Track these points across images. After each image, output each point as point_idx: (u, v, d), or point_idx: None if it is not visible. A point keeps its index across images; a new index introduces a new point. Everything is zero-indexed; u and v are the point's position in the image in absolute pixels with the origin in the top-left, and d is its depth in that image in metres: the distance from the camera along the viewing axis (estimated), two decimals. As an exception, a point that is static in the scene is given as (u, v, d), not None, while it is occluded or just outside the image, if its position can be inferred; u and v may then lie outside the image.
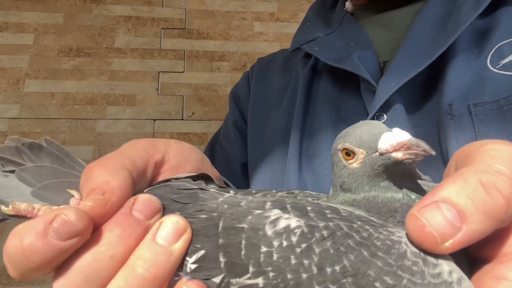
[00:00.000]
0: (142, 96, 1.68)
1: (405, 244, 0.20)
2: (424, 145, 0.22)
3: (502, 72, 0.37)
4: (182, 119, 1.66)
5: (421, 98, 0.42)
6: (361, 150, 0.24)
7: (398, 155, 0.23)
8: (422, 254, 0.20)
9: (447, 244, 0.19)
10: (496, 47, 0.38)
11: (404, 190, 0.24)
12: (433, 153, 0.22)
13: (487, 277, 0.19)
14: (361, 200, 0.25)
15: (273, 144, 0.50)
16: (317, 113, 0.48)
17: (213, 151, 0.62)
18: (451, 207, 0.19)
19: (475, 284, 0.19)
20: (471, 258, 0.22)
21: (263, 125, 0.54)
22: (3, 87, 1.62)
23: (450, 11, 0.42)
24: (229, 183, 0.40)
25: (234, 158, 0.57)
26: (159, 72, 1.73)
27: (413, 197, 0.24)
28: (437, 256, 0.19)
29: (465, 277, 0.20)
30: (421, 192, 0.24)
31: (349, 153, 0.25)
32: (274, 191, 0.26)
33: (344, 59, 0.45)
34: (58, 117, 1.60)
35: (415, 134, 0.26)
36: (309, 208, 0.23)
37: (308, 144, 0.46)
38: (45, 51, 1.70)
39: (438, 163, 0.38)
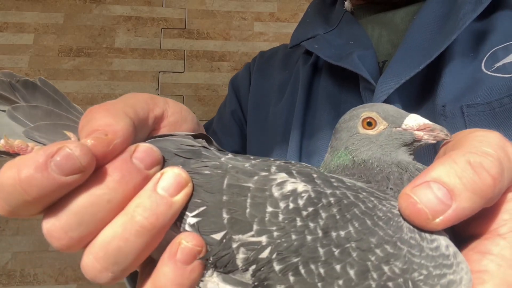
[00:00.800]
0: (142, 96, 1.68)
1: (404, 219, 0.21)
2: (445, 130, 0.25)
3: (495, 74, 0.38)
4: (182, 119, 1.67)
5: (418, 98, 0.42)
6: (384, 122, 0.27)
7: (420, 133, 0.26)
8: (416, 230, 0.21)
9: (437, 220, 0.19)
10: (491, 51, 0.39)
11: (404, 163, 0.26)
12: (451, 138, 0.24)
13: (473, 252, 0.20)
14: (359, 163, 0.26)
15: (272, 141, 0.50)
16: (317, 111, 0.48)
17: None
18: (441, 186, 0.20)
19: None
20: (458, 236, 0.23)
21: (262, 120, 0.54)
22: (3, 87, 1.62)
23: (449, 12, 0.42)
24: None
25: (226, 146, 0.57)
26: (159, 72, 1.73)
27: (409, 168, 0.25)
28: (431, 232, 0.20)
29: (458, 251, 0.21)
30: (417, 170, 0.26)
31: (370, 123, 0.27)
32: (272, 159, 0.26)
33: (344, 57, 0.45)
34: (58, 117, 1.60)
35: None
36: (314, 175, 0.23)
37: (308, 142, 0.47)
38: (45, 51, 1.70)
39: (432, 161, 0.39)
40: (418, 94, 0.42)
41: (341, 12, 0.53)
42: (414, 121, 0.26)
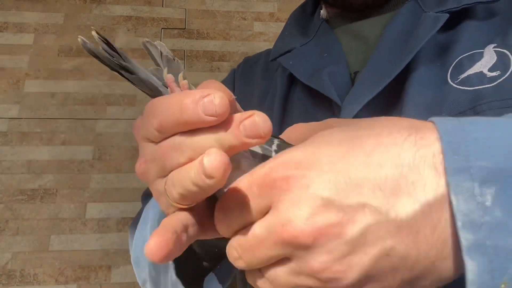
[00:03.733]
0: (142, 96, 1.68)
1: None
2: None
3: (459, 87, 0.37)
4: (182, 119, 1.67)
5: (388, 113, 0.42)
6: None
7: None
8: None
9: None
10: (456, 60, 0.39)
11: None
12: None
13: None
14: None
15: None
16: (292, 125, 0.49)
17: None
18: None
19: None
20: None
21: None
22: (3, 87, 1.62)
23: (411, 28, 0.42)
24: None
25: None
26: (159, 72, 1.73)
27: None
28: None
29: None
30: None
31: None
32: None
33: (316, 76, 0.46)
34: (58, 117, 1.60)
35: None
36: None
37: None
38: (45, 51, 1.70)
39: None
40: (387, 109, 0.42)
41: (319, 21, 0.53)
42: None
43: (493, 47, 0.38)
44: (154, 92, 0.32)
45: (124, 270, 1.42)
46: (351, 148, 0.22)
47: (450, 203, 0.20)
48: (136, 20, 1.81)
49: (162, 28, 1.80)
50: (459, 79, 0.37)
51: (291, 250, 0.21)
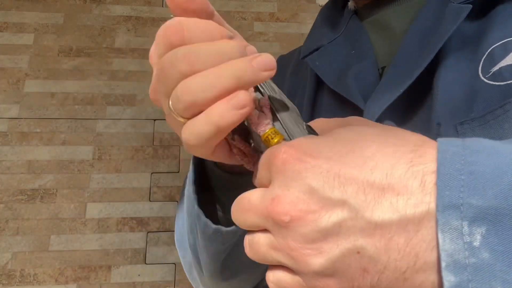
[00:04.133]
0: (142, 96, 1.68)
1: None
2: None
3: (491, 82, 0.34)
4: (182, 119, 1.67)
5: (413, 114, 0.41)
6: None
7: None
8: None
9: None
10: (489, 51, 0.35)
11: None
12: None
13: None
14: None
15: None
16: None
17: None
18: None
19: None
20: None
21: None
22: (3, 87, 1.62)
23: (435, 23, 0.40)
24: None
25: None
26: (159, 72, 1.73)
27: None
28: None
29: None
30: None
31: None
32: None
33: (341, 78, 0.45)
34: (58, 117, 1.60)
35: None
36: None
37: None
38: (45, 51, 1.70)
39: None
40: (413, 109, 0.40)
41: (349, 15, 0.51)
42: None
43: None
44: None
45: (124, 270, 1.42)
46: (352, 149, 0.23)
47: (437, 239, 0.19)
48: (136, 20, 1.81)
49: (162, 28, 1.81)
50: (490, 73, 0.35)
51: (272, 224, 0.23)
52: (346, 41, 0.49)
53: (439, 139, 0.22)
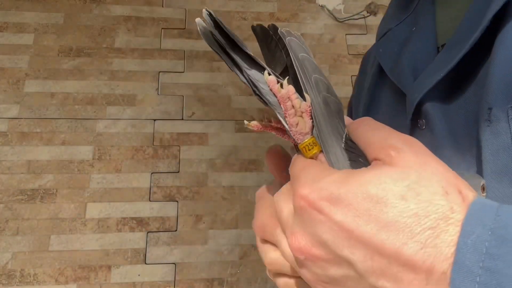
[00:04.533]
0: (142, 96, 1.68)
1: None
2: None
3: None
4: (182, 119, 1.66)
5: (461, 98, 0.36)
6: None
7: None
8: None
9: None
10: None
11: None
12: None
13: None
14: None
15: None
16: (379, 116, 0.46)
17: None
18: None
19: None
20: None
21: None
22: (3, 87, 1.62)
23: None
24: None
25: None
26: (159, 72, 1.73)
27: None
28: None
29: None
30: None
31: (484, 187, 0.28)
32: None
33: (397, 65, 0.42)
34: (58, 117, 1.60)
35: (453, 143, 0.33)
36: None
37: None
38: (45, 51, 1.70)
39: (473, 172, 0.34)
40: (462, 91, 0.35)
41: None
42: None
43: None
44: (255, 91, 0.31)
45: (124, 270, 1.42)
46: (372, 208, 0.22)
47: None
48: (136, 20, 1.81)
49: (162, 28, 1.80)
50: None
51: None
52: (413, 21, 0.45)
53: (469, 209, 0.20)
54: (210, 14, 0.29)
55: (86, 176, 1.52)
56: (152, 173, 1.56)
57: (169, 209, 1.51)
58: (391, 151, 0.25)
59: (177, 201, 1.53)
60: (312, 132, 0.28)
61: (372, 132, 0.27)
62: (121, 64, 1.72)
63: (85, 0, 1.81)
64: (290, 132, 0.28)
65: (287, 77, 0.30)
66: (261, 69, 0.32)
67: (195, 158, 1.58)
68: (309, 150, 0.28)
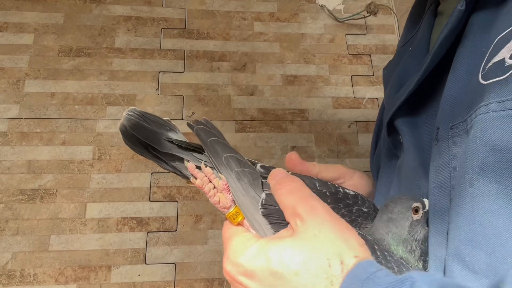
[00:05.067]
0: (142, 96, 1.68)
1: None
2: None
3: (480, 81, 0.29)
4: (182, 119, 1.66)
5: (425, 116, 0.39)
6: (421, 208, 0.34)
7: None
8: None
9: None
10: (493, 44, 0.29)
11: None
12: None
13: None
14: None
15: None
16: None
17: None
18: None
19: None
20: None
21: None
22: (3, 87, 1.62)
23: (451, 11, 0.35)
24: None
25: None
26: (159, 72, 1.73)
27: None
28: None
29: None
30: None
31: (417, 210, 0.34)
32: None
33: (388, 88, 0.45)
34: (58, 117, 1.60)
35: (419, 156, 0.38)
36: (376, 247, 0.31)
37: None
38: (45, 51, 1.70)
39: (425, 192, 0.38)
40: (424, 109, 0.38)
41: (428, 7, 0.46)
42: (427, 203, 0.34)
43: None
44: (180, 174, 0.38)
45: (124, 270, 1.42)
46: (275, 281, 0.28)
47: None
48: (136, 20, 1.81)
49: (162, 28, 1.80)
50: (485, 70, 0.29)
51: None
52: (414, 39, 0.46)
53: (344, 281, 0.26)
54: (133, 112, 0.36)
55: (86, 176, 1.52)
56: (152, 173, 1.56)
57: (169, 209, 1.51)
58: (297, 220, 0.30)
59: (177, 201, 1.53)
60: (235, 203, 0.33)
61: (285, 196, 0.32)
62: (121, 64, 1.72)
63: (85, 0, 1.81)
64: (215, 205, 0.34)
65: (202, 162, 0.36)
66: (189, 152, 0.38)
67: (195, 158, 1.59)
68: (234, 219, 0.33)
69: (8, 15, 1.73)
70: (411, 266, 0.32)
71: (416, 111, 0.39)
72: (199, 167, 0.36)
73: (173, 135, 0.38)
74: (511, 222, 0.23)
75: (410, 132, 0.39)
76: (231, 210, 0.33)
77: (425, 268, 0.33)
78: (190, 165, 0.36)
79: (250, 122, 1.69)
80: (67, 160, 1.54)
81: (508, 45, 0.27)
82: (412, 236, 0.33)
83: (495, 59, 0.28)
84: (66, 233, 1.44)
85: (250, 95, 1.73)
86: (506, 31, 0.28)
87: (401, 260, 0.32)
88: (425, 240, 0.33)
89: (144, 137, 0.35)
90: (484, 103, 0.27)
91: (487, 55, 0.30)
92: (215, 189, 0.34)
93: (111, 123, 1.62)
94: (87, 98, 1.64)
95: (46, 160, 1.53)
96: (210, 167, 0.35)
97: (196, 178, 0.35)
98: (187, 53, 1.77)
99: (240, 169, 0.33)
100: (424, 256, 0.33)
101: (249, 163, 0.35)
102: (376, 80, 1.80)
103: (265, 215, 0.31)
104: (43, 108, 1.61)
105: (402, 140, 0.40)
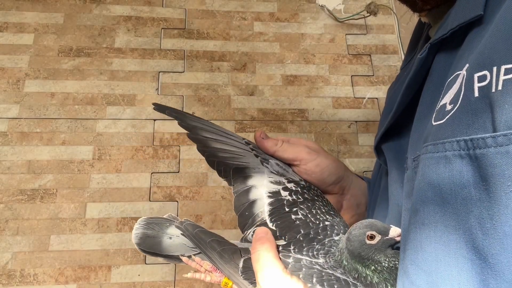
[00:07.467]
0: (142, 96, 1.68)
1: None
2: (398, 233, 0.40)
3: (432, 121, 0.31)
4: (182, 119, 1.66)
5: (406, 142, 0.40)
6: (379, 235, 0.40)
7: (398, 238, 0.40)
8: None
9: None
10: (446, 83, 0.30)
11: (384, 258, 0.41)
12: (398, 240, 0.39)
13: None
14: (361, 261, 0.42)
15: None
16: None
17: None
18: None
19: None
20: None
21: None
22: (3, 87, 1.62)
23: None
24: None
25: None
26: (159, 72, 1.73)
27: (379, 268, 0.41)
28: None
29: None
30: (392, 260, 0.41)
31: (373, 237, 0.40)
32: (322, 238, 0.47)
33: (383, 112, 0.48)
34: (58, 117, 1.60)
35: (400, 181, 0.42)
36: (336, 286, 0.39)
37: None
38: (45, 51, 1.70)
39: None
40: (406, 135, 0.40)
41: (425, 31, 0.47)
42: (395, 232, 0.40)
43: (466, 68, 0.28)
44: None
45: (124, 270, 1.42)
46: None
47: None
48: (136, 20, 1.81)
49: (162, 28, 1.80)
50: (435, 111, 0.31)
51: None
52: (412, 62, 0.47)
53: None
54: (139, 224, 0.50)
55: (86, 176, 1.52)
56: (152, 173, 1.56)
57: (169, 209, 1.51)
58: (259, 283, 0.38)
59: (177, 201, 1.53)
60: (223, 276, 0.43)
61: (253, 262, 0.40)
62: (121, 64, 1.72)
63: (85, 0, 1.81)
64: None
65: (194, 253, 0.48)
66: (183, 244, 0.52)
67: (195, 158, 1.58)
68: (227, 285, 0.43)
69: (8, 15, 1.73)
70: (365, 276, 0.40)
71: (402, 133, 0.42)
72: (192, 254, 0.49)
73: (172, 231, 0.49)
74: (446, 247, 0.26)
75: (394, 155, 0.43)
76: (222, 281, 0.43)
77: (390, 283, 0.40)
78: (184, 259, 0.47)
79: (250, 122, 1.69)
80: (67, 160, 1.54)
81: (450, 90, 0.29)
82: (367, 254, 0.40)
83: (441, 102, 0.31)
84: (66, 233, 1.44)
85: (250, 95, 1.73)
86: (453, 75, 0.30)
87: None
88: (386, 260, 0.40)
89: (149, 248, 0.47)
90: (425, 144, 0.31)
91: (440, 97, 0.32)
92: (206, 271, 0.45)
93: (111, 123, 1.62)
94: (87, 98, 1.65)
95: (46, 160, 1.53)
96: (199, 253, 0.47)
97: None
98: (187, 53, 1.77)
99: (221, 248, 0.44)
100: (384, 273, 0.40)
101: (228, 242, 0.46)
102: (376, 80, 1.80)
103: (246, 278, 0.41)
104: (43, 108, 1.61)
105: (387, 164, 0.44)
